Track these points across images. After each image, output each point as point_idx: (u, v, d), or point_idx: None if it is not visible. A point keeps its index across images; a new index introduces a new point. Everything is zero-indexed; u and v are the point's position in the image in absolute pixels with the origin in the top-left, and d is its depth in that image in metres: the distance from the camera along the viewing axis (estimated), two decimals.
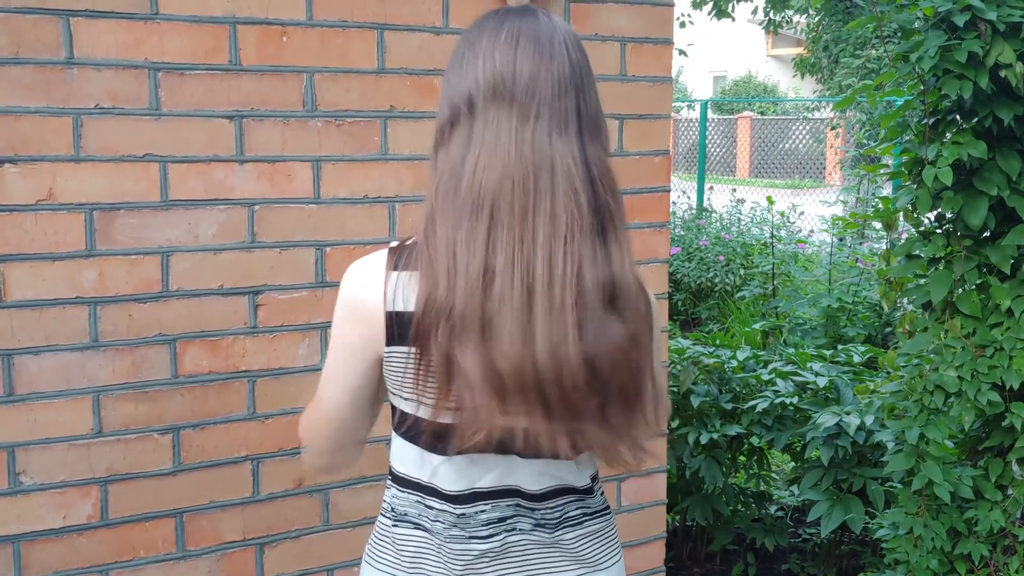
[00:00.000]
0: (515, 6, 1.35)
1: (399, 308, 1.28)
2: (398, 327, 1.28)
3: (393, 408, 1.38)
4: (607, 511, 1.48)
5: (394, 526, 1.39)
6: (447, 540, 1.35)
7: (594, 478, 1.45)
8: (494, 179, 1.21)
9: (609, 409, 1.25)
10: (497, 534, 1.35)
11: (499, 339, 1.18)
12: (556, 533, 1.39)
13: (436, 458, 1.34)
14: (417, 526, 1.37)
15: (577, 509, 1.41)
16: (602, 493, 1.48)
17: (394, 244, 1.34)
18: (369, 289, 1.31)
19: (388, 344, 1.30)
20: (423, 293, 1.23)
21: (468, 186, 1.22)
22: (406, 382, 1.30)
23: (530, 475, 1.35)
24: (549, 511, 1.39)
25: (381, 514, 1.43)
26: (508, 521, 1.36)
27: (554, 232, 1.20)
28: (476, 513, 1.35)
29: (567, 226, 1.21)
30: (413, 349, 1.26)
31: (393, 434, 1.40)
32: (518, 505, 1.36)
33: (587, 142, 1.27)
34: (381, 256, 1.33)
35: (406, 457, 1.38)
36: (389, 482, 1.42)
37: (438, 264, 1.22)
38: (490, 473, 1.34)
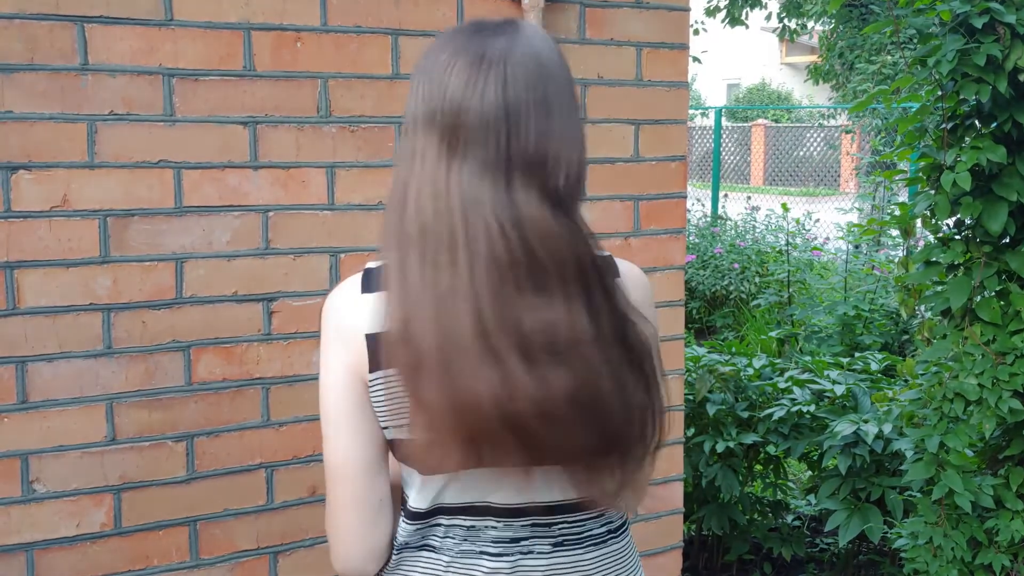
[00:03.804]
0: (500, 20, 1.26)
1: (376, 330, 1.24)
2: (380, 350, 1.24)
3: (393, 440, 1.31)
4: (627, 527, 1.41)
5: (397, 554, 1.33)
6: (457, 556, 1.29)
7: (619, 488, 1.36)
8: (426, 215, 1.17)
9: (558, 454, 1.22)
10: (508, 554, 1.29)
11: (434, 381, 1.15)
12: (577, 551, 1.32)
13: (439, 478, 1.29)
14: (421, 548, 1.32)
15: (602, 526, 1.35)
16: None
17: (369, 264, 1.30)
18: (347, 313, 1.27)
19: (371, 370, 1.25)
20: (387, 316, 1.20)
21: (408, 217, 1.18)
22: (393, 406, 1.26)
23: (549, 486, 1.29)
24: (569, 526, 1.32)
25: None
26: (523, 543, 1.30)
27: (486, 277, 1.14)
28: (485, 528, 1.29)
29: (495, 271, 1.14)
30: (390, 371, 1.23)
31: (402, 466, 1.34)
32: (534, 525, 1.30)
33: (520, 185, 1.17)
34: (357, 278, 1.30)
35: (413, 486, 1.32)
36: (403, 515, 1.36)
37: (392, 293, 1.19)
38: (504, 487, 1.28)
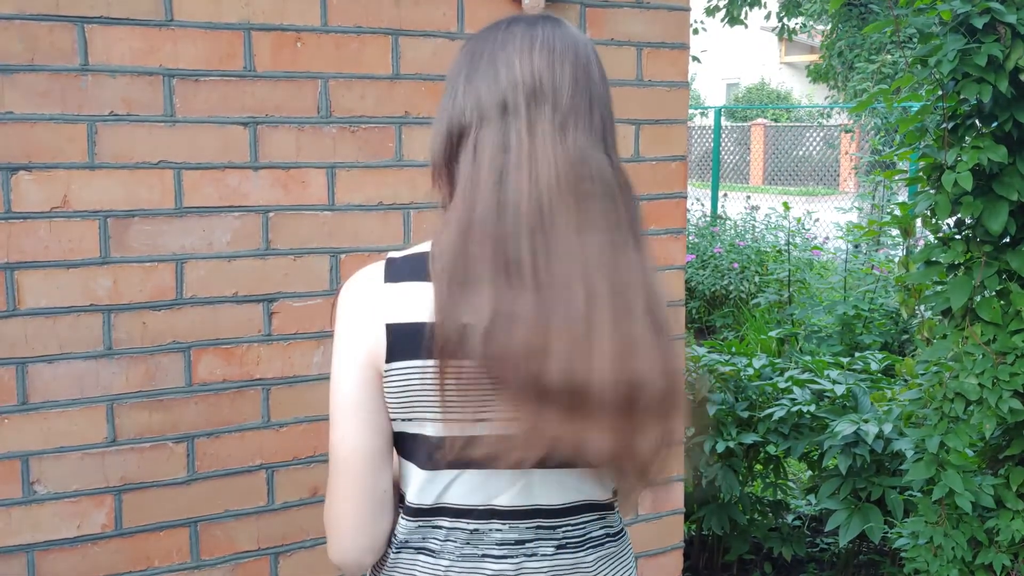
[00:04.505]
0: (538, 14, 1.32)
1: (400, 320, 1.23)
2: (400, 340, 1.23)
3: (397, 434, 1.30)
4: (624, 532, 1.43)
5: (396, 553, 1.33)
6: (459, 559, 1.29)
7: (615, 492, 1.39)
8: (543, 188, 1.18)
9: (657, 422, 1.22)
10: (512, 556, 1.30)
11: (557, 355, 1.14)
12: (579, 554, 1.33)
13: (449, 474, 1.28)
14: (420, 551, 1.31)
15: (600, 529, 1.36)
16: (618, 511, 1.43)
17: (392, 254, 1.30)
18: (369, 302, 1.26)
19: (388, 360, 1.24)
20: (458, 304, 1.18)
21: (517, 195, 1.18)
22: (416, 399, 1.25)
23: (552, 489, 1.30)
24: (571, 528, 1.33)
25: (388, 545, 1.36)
26: (528, 545, 1.30)
27: (611, 241, 1.19)
28: (490, 531, 1.29)
29: (619, 235, 1.20)
30: (430, 362, 1.21)
31: (401, 461, 1.34)
32: (538, 527, 1.30)
33: (613, 154, 1.26)
34: (379, 267, 1.29)
35: (412, 482, 1.31)
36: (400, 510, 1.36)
37: (481, 274, 1.17)
38: (509, 489, 1.29)
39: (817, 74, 13.48)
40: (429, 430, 1.26)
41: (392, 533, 1.34)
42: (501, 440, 1.21)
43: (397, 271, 1.27)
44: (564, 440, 1.19)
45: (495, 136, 1.21)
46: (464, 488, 1.29)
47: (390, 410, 1.27)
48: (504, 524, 1.30)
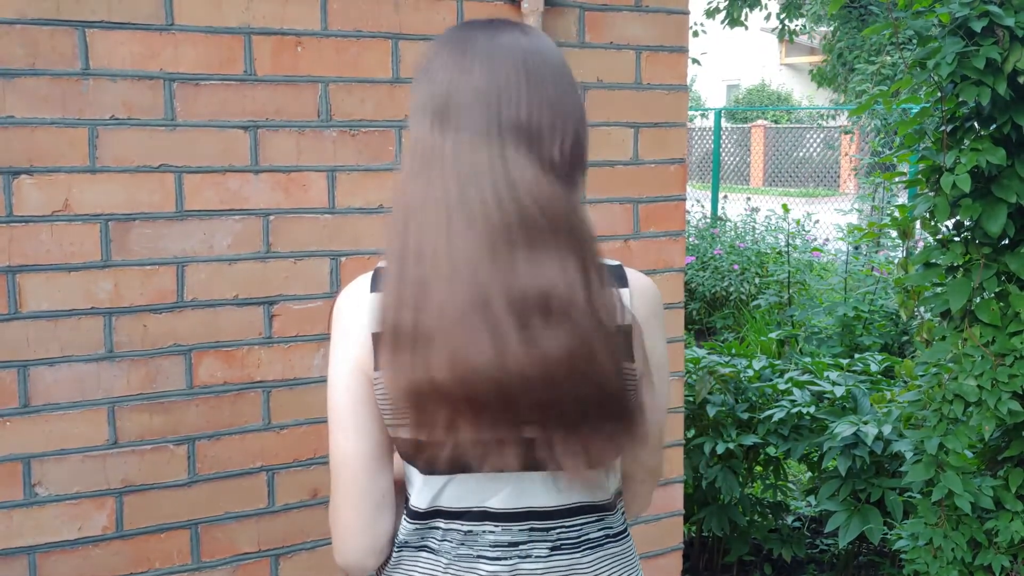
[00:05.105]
0: (491, 19, 1.32)
1: (380, 329, 1.26)
2: (381, 348, 1.26)
3: (395, 438, 1.32)
4: (627, 531, 1.43)
5: (398, 552, 1.35)
6: (455, 559, 1.31)
7: (618, 493, 1.40)
8: (419, 195, 1.21)
9: (590, 421, 1.22)
10: (506, 558, 1.30)
11: (437, 351, 1.17)
12: (575, 555, 1.33)
13: (443, 477, 1.30)
14: (420, 548, 1.33)
15: (599, 530, 1.36)
16: (623, 512, 1.43)
17: (380, 264, 1.31)
18: (355, 311, 1.29)
19: (376, 368, 1.27)
20: (379, 310, 1.23)
21: (402, 203, 1.22)
22: (394, 405, 1.27)
23: (546, 491, 1.31)
24: (566, 530, 1.33)
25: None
26: (522, 547, 1.31)
27: (479, 243, 1.17)
28: (483, 532, 1.31)
29: (491, 235, 1.18)
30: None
31: (404, 464, 1.35)
32: (532, 529, 1.31)
33: (514, 153, 1.20)
34: (367, 277, 1.32)
35: (414, 485, 1.33)
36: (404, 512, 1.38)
37: (390, 281, 1.22)
38: (502, 491, 1.30)
39: (821, 77, 13.48)
40: (405, 433, 1.28)
41: (395, 534, 1.36)
42: (476, 445, 1.23)
43: (377, 280, 1.29)
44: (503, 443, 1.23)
45: (412, 144, 1.26)
46: (458, 491, 1.30)
47: (384, 415, 1.29)
48: (497, 526, 1.31)
